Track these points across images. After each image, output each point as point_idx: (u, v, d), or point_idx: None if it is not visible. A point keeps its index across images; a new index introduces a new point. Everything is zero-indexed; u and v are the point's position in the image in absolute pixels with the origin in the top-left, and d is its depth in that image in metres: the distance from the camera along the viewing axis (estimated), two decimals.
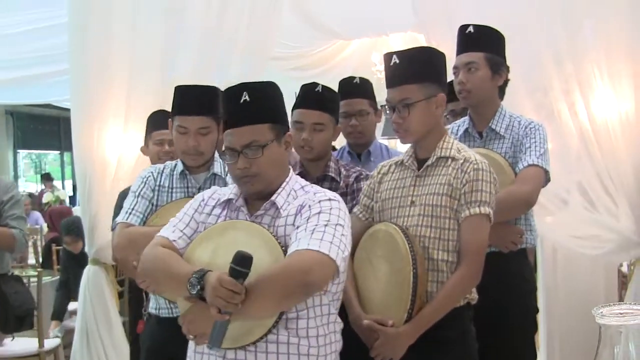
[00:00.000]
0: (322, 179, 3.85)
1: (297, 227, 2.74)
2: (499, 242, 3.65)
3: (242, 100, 2.83)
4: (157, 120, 4.30)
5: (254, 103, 2.83)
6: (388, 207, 3.30)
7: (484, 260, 3.22)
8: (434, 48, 3.39)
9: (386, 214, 3.30)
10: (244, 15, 5.50)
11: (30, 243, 10.07)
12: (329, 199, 2.82)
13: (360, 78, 4.35)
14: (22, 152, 20.04)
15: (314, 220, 2.72)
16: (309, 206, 2.79)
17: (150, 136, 4.47)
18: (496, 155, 3.68)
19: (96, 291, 5.38)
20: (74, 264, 7.84)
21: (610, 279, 5.35)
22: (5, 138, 17.52)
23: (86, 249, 5.39)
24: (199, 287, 2.59)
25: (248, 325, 2.68)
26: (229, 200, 2.95)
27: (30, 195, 15.20)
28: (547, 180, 3.71)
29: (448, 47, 3.95)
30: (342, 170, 3.88)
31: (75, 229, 8.03)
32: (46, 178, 17.02)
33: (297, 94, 4.12)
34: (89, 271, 5.41)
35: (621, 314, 1.32)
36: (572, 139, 4.72)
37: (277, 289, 2.61)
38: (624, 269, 5.27)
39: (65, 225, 8.44)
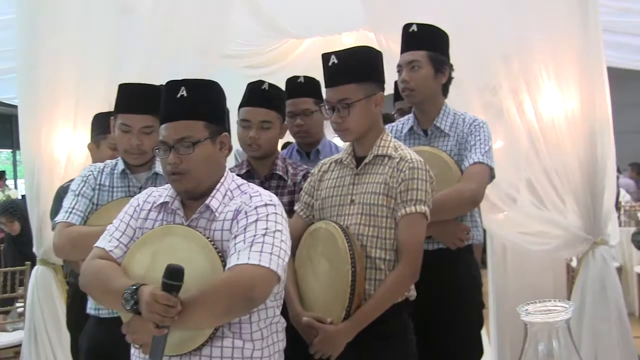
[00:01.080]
0: (269, 178, 3.86)
1: (235, 237, 2.72)
2: (446, 239, 3.69)
3: (179, 95, 2.82)
4: (109, 122, 4.27)
5: (191, 99, 2.83)
6: (328, 206, 3.33)
7: (432, 257, 3.27)
8: (371, 47, 3.40)
9: (326, 212, 3.33)
10: (194, 15, 5.47)
11: None
12: (265, 204, 2.81)
13: (305, 77, 4.36)
14: None
15: (252, 230, 2.71)
16: (246, 212, 2.78)
17: (104, 137, 4.42)
18: (442, 153, 3.72)
19: (44, 292, 5.31)
20: (12, 246, 7.77)
21: (558, 274, 5.44)
22: None
23: (34, 249, 5.33)
24: (132, 302, 2.58)
25: (189, 333, 2.69)
26: (164, 203, 2.93)
27: None
28: (492, 177, 3.75)
29: (399, 46, 3.96)
30: (290, 168, 3.88)
31: (11, 209, 7.94)
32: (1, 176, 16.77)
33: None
34: (37, 271, 5.35)
35: (546, 311, 1.35)
36: (520, 137, 4.76)
37: (219, 303, 2.62)
38: (574, 263, 5.35)
39: (1, 205, 8.33)
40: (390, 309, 3.14)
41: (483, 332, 4.12)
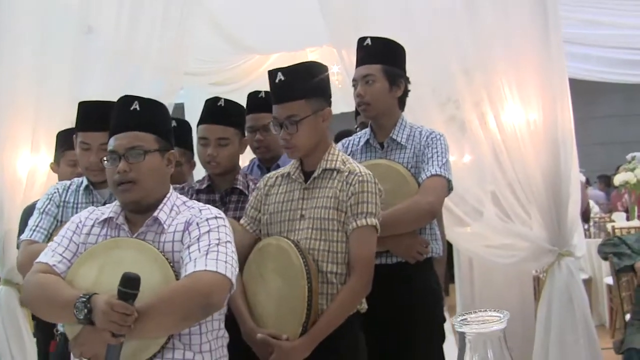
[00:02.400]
0: (230, 193, 3.85)
1: (189, 247, 2.75)
2: (405, 253, 3.68)
3: (132, 108, 2.89)
4: (69, 139, 4.25)
5: (144, 112, 2.90)
6: (277, 220, 3.32)
7: (391, 271, 3.26)
8: (317, 62, 3.41)
9: (275, 227, 3.32)
10: (155, 32, 5.46)
11: None
12: (215, 217, 2.87)
13: (266, 92, 4.33)
14: None
15: (206, 240, 2.76)
16: (197, 224, 2.82)
17: (62, 155, 4.42)
18: (398, 165, 3.71)
19: (8, 312, 5.26)
20: None
21: (525, 286, 5.45)
22: None
23: None
24: (86, 310, 2.57)
25: (143, 343, 2.68)
26: (108, 219, 2.94)
27: None
28: (450, 189, 3.73)
29: None
30: (251, 183, 3.86)
31: None
32: None
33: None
34: (0, 292, 5.30)
35: (481, 321, 1.34)
36: (484, 150, 4.77)
37: (177, 310, 2.64)
38: (542, 275, 5.36)
39: None
40: (344, 322, 3.14)
41: (452, 345, 4.11)
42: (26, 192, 5.12)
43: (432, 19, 4.83)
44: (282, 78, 3.20)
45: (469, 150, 4.88)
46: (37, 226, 3.61)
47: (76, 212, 3.60)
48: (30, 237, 3.57)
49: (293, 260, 3.05)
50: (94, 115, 3.66)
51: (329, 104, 3.31)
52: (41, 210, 3.66)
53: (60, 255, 2.87)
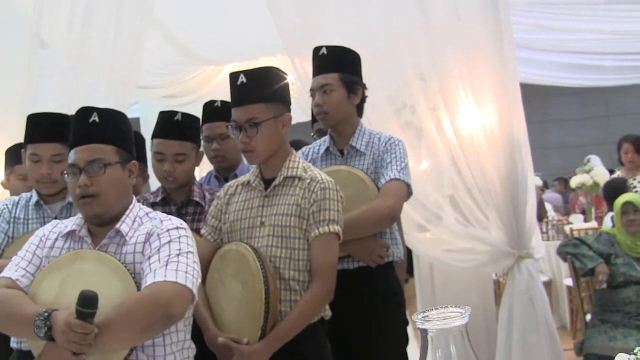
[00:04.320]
0: (186, 204, 3.82)
1: (149, 258, 2.74)
2: (365, 257, 3.68)
3: (91, 120, 2.87)
4: (19, 155, 4.22)
5: (102, 124, 2.88)
6: (238, 228, 3.31)
7: (352, 276, 3.27)
8: (278, 68, 3.40)
9: (236, 235, 3.30)
10: (107, 46, 5.42)
11: None
12: (177, 227, 2.86)
13: (221, 101, 4.32)
14: None
15: (166, 250, 2.74)
16: (158, 235, 2.81)
17: (12, 170, 4.39)
18: (358, 171, 3.72)
19: None
20: None
21: (486, 289, 5.46)
22: None
23: None
24: (45, 328, 2.56)
25: (105, 356, 2.66)
26: (71, 232, 2.93)
27: None
28: (410, 193, 3.75)
29: None
30: (207, 194, 3.85)
31: None
32: None
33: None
34: None
35: (442, 317, 1.34)
36: (441, 155, 4.78)
37: (137, 322, 2.62)
38: (502, 279, 5.39)
39: None
40: (306, 329, 3.13)
41: (415, 349, 4.11)
42: None
43: (386, 25, 4.84)
44: (244, 80, 3.19)
45: (426, 156, 4.89)
46: None
47: (27, 228, 3.64)
48: None
49: (250, 264, 3.04)
50: (44, 127, 3.64)
51: (289, 110, 3.31)
52: None
53: (24, 269, 2.85)
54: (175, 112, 3.83)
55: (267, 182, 3.30)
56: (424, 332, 1.33)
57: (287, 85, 3.34)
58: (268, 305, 2.99)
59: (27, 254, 2.91)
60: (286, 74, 3.38)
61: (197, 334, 3.16)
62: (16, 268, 2.87)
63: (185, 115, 3.83)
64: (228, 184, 3.52)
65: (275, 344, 3.04)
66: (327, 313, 3.26)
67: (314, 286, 3.14)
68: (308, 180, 3.20)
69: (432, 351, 1.31)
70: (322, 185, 3.17)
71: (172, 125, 3.80)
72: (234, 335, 3.06)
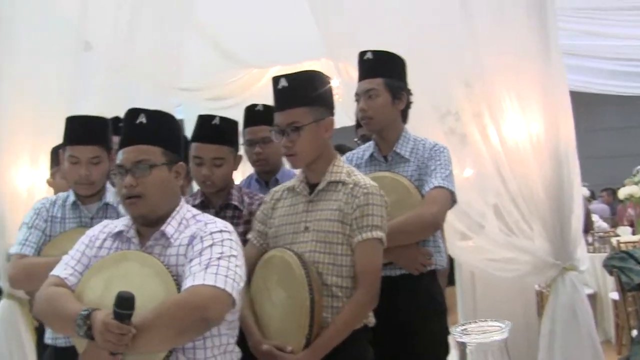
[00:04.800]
0: (224, 208, 3.82)
1: (191, 261, 2.75)
2: (408, 264, 3.66)
3: (138, 121, 2.88)
4: None
5: (149, 125, 2.89)
6: (282, 234, 3.30)
7: (394, 283, 3.32)
8: (321, 72, 3.38)
9: (280, 240, 3.29)
10: (150, 48, 5.47)
11: None
12: (221, 230, 2.85)
13: (263, 105, 4.32)
14: None
15: (207, 254, 2.74)
16: (201, 237, 2.81)
17: (58, 169, 4.47)
18: (402, 178, 3.70)
19: (10, 326, 5.26)
20: None
21: (528, 301, 5.38)
22: None
23: (0, 283, 5.27)
24: (85, 327, 2.59)
25: (142, 357, 2.68)
26: (119, 232, 2.96)
27: None
28: (454, 201, 3.73)
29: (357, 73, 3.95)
30: (246, 198, 3.85)
31: None
32: None
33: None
34: (3, 306, 5.29)
35: (481, 331, 1.29)
36: (485, 162, 4.72)
37: (173, 324, 2.63)
38: (545, 290, 5.30)
39: None
40: (351, 337, 3.10)
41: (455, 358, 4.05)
42: (27, 208, 5.11)
43: (430, 30, 4.79)
44: (285, 84, 3.19)
45: (470, 163, 4.83)
46: (26, 240, 3.67)
47: (64, 227, 3.73)
48: (20, 251, 3.64)
49: (295, 272, 3.03)
50: (82, 129, 3.70)
51: (332, 114, 3.29)
52: (29, 225, 3.73)
53: (72, 268, 2.91)
54: (213, 116, 3.81)
55: (312, 187, 3.29)
56: (462, 346, 1.29)
57: (330, 89, 3.32)
58: (313, 315, 2.97)
59: (76, 252, 2.96)
60: (330, 78, 3.36)
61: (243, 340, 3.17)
62: (65, 267, 2.92)
63: (223, 119, 3.82)
64: (274, 189, 3.53)
65: (319, 353, 3.02)
66: (371, 320, 3.23)
67: (358, 292, 3.12)
68: (351, 185, 3.18)
69: None
70: (366, 190, 3.15)
71: (210, 129, 3.79)
72: (278, 342, 3.05)
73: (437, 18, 4.80)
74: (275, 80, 3.24)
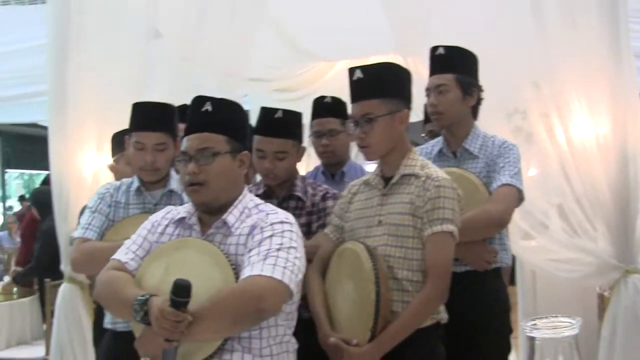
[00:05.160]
0: (287, 198, 3.82)
1: (250, 251, 2.75)
2: (473, 261, 3.64)
3: (204, 109, 2.88)
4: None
5: (215, 113, 2.89)
6: (357, 227, 3.29)
7: (459, 280, 3.22)
8: (397, 64, 3.37)
9: (356, 234, 3.28)
10: (220, 38, 5.51)
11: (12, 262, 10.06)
12: (281, 222, 2.84)
13: (332, 97, 4.34)
14: (12, 173, 19.99)
15: (267, 244, 2.74)
16: (261, 228, 2.81)
17: (122, 154, 4.48)
18: (470, 174, 3.68)
19: (72, 310, 5.35)
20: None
21: (589, 303, 5.34)
22: None
23: (62, 267, 5.37)
24: (142, 313, 2.61)
25: (198, 344, 2.69)
26: (181, 219, 2.97)
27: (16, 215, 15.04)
28: (521, 199, 3.70)
29: (427, 69, 3.95)
30: (309, 189, 3.84)
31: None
32: (23, 199, 16.81)
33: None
34: (64, 289, 5.39)
35: (552, 327, 1.31)
36: (551, 162, 4.71)
37: (228, 314, 2.63)
38: (607, 293, 5.26)
39: None
40: (421, 333, 3.07)
41: (514, 359, 4.05)
42: (92, 192, 5.18)
43: (500, 28, 4.78)
44: (361, 76, 3.18)
45: (535, 162, 4.81)
46: (89, 224, 3.67)
47: (127, 213, 3.73)
48: (83, 235, 3.64)
49: (364, 264, 3.01)
50: (148, 116, 3.71)
51: (408, 107, 3.26)
52: (93, 209, 3.72)
53: (134, 253, 2.92)
54: (276, 110, 3.80)
55: (387, 181, 3.27)
56: (531, 340, 1.30)
57: (406, 81, 3.30)
58: (378, 307, 2.94)
59: (138, 238, 2.97)
60: (407, 71, 3.33)
61: (307, 330, 3.19)
62: (126, 251, 2.93)
63: (286, 112, 3.80)
64: (352, 182, 3.52)
65: (384, 346, 2.99)
66: (443, 316, 3.20)
67: (427, 287, 3.07)
68: (423, 178, 3.15)
69: None
70: (437, 183, 3.11)
71: (272, 122, 3.77)
72: (344, 335, 3.04)
73: (507, 17, 4.80)
74: (351, 71, 3.23)
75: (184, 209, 3.01)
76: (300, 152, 3.88)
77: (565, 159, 4.61)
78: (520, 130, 4.78)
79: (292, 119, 3.84)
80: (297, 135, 3.85)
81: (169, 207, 3.12)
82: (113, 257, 2.94)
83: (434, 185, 3.11)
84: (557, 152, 4.65)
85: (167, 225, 2.98)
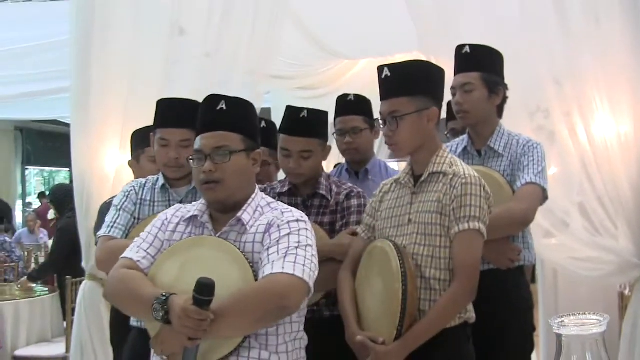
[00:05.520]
0: (312, 196, 3.81)
1: (268, 249, 2.76)
2: (497, 259, 3.62)
3: (219, 108, 2.90)
4: (148, 137, 4.30)
5: (230, 112, 2.91)
6: (388, 226, 3.28)
7: (483, 278, 3.18)
8: (429, 62, 3.41)
9: (386, 233, 3.28)
10: (244, 35, 5.53)
11: (32, 259, 10.13)
12: (297, 220, 2.87)
13: (355, 95, 4.34)
14: (32, 169, 20.08)
15: (285, 242, 2.76)
16: (278, 226, 2.83)
17: (143, 151, 4.48)
18: (494, 173, 3.68)
19: (92, 307, 5.39)
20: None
21: (610, 301, 5.34)
22: (14, 154, 17.61)
23: (83, 264, 5.40)
24: (163, 312, 2.61)
25: (218, 341, 2.70)
26: (193, 217, 2.97)
27: (36, 212, 15.13)
28: (545, 198, 3.68)
29: (451, 67, 3.94)
30: (334, 187, 3.82)
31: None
32: (43, 196, 16.87)
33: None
34: (85, 286, 5.42)
35: (580, 324, 1.32)
36: (572, 161, 4.71)
37: (252, 311, 2.65)
38: (627, 291, 5.25)
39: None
40: (446, 332, 3.04)
41: (534, 357, 4.04)
42: (114, 189, 5.22)
43: (523, 26, 4.79)
44: (389, 74, 3.18)
45: (557, 161, 4.80)
46: (114, 222, 3.65)
47: (153, 210, 3.70)
48: (108, 233, 3.62)
49: (392, 262, 3.00)
50: (173, 112, 3.71)
51: (438, 105, 3.24)
52: (118, 207, 3.71)
53: (145, 251, 2.91)
54: (301, 109, 3.78)
55: (417, 179, 3.26)
56: (559, 338, 1.31)
57: (436, 79, 3.28)
58: (405, 305, 2.92)
59: (149, 236, 2.97)
60: (440, 69, 3.32)
61: (314, 326, 3.21)
62: (138, 250, 2.92)
63: (311, 111, 3.79)
64: (384, 182, 3.51)
65: (411, 345, 2.96)
66: (471, 315, 3.17)
67: (454, 285, 3.04)
68: (451, 176, 3.13)
69: (566, 357, 1.29)
70: (464, 181, 3.09)
71: (298, 121, 3.76)
72: (371, 333, 3.03)
73: (529, 15, 4.80)
74: (380, 69, 3.23)
75: (195, 207, 3.01)
76: (326, 151, 3.87)
77: (587, 158, 4.61)
78: (542, 129, 4.77)
79: (317, 118, 3.83)
80: (322, 134, 3.84)
81: (178, 205, 3.14)
82: (123, 255, 2.94)
83: (461, 182, 3.09)
84: (579, 150, 4.64)
85: (178, 223, 2.99)
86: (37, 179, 21.56)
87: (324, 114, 3.92)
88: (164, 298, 2.62)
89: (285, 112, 3.87)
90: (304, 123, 3.76)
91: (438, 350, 3.02)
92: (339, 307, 3.24)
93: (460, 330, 3.12)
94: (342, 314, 3.20)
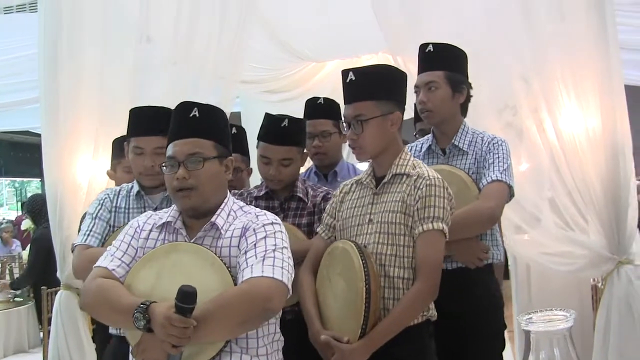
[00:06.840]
0: (289, 199, 3.85)
1: (246, 252, 2.78)
2: (465, 258, 3.66)
3: (191, 115, 2.91)
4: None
5: (203, 119, 2.92)
6: (348, 226, 3.32)
7: (451, 277, 3.24)
8: (392, 66, 3.41)
9: (346, 233, 3.32)
10: (212, 41, 5.54)
11: (7, 270, 10.07)
12: (272, 223, 2.89)
13: (324, 99, 4.36)
14: (3, 180, 19.97)
15: (262, 246, 2.78)
16: (254, 229, 2.85)
17: (119, 162, 4.48)
18: (459, 171, 3.70)
19: (68, 317, 5.35)
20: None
21: (583, 294, 5.37)
22: None
23: (58, 274, 5.37)
24: (144, 321, 2.61)
25: (200, 346, 2.71)
26: (166, 223, 2.98)
27: (13, 223, 15.06)
28: (511, 195, 3.71)
29: (416, 67, 3.96)
30: (310, 190, 3.88)
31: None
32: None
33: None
34: (60, 296, 5.39)
35: (547, 320, 1.34)
36: (541, 156, 4.73)
37: (235, 315, 2.66)
38: (600, 284, 5.29)
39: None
40: (410, 329, 3.09)
41: (509, 354, 4.07)
42: (87, 198, 5.21)
43: (488, 24, 4.81)
44: (353, 78, 3.21)
45: (526, 157, 4.84)
46: (90, 231, 3.66)
47: (128, 218, 3.70)
48: (85, 241, 3.62)
49: (354, 261, 3.04)
50: (146, 120, 3.72)
51: (401, 109, 3.29)
52: (94, 215, 3.71)
53: (119, 259, 2.91)
54: (282, 118, 3.83)
55: (378, 180, 3.30)
56: (527, 334, 1.33)
57: (400, 83, 3.32)
58: (369, 304, 2.96)
59: (122, 244, 2.97)
60: (402, 73, 3.36)
61: (291, 327, 3.24)
62: (112, 258, 2.92)
63: (292, 120, 3.84)
64: (344, 182, 3.55)
65: (375, 343, 3.01)
66: (432, 313, 3.23)
67: (417, 283, 3.09)
68: (415, 177, 3.18)
69: (535, 353, 1.32)
70: (428, 182, 3.14)
71: (279, 130, 3.81)
72: (335, 332, 3.06)
73: (495, 12, 4.82)
74: (344, 73, 3.26)
75: (167, 214, 3.02)
76: (303, 157, 3.94)
77: (556, 153, 4.64)
78: (510, 126, 4.80)
79: (297, 127, 3.89)
80: (301, 142, 3.92)
81: (149, 212, 3.15)
82: (97, 264, 2.93)
83: (425, 183, 3.14)
84: (548, 146, 4.67)
85: (151, 230, 2.99)
86: (8, 189, 21.43)
87: (302, 121, 4.00)
88: (145, 307, 2.62)
89: (264, 120, 3.90)
90: (285, 132, 3.81)
91: (401, 347, 3.07)
92: (301, 307, 3.27)
93: (423, 328, 3.18)
94: (305, 314, 3.23)
